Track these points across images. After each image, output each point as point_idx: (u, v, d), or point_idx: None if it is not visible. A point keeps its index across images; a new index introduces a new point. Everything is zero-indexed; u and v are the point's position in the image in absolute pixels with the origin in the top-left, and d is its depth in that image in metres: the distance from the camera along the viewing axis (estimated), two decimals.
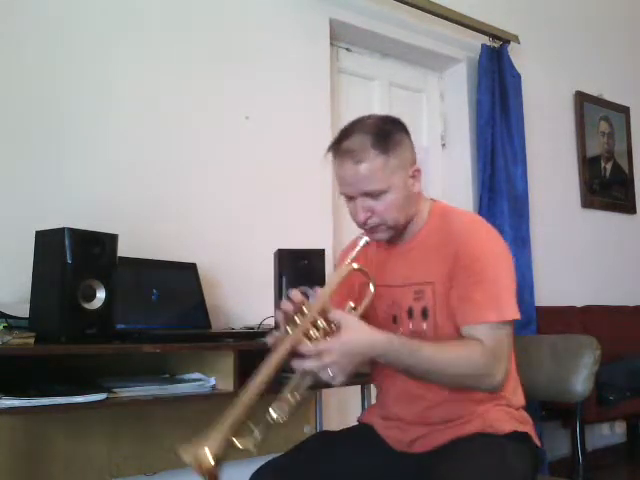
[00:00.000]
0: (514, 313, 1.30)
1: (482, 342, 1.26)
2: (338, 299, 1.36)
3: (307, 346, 1.18)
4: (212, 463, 1.06)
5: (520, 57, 3.44)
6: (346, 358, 1.17)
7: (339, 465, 1.36)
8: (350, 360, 1.18)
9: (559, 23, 3.84)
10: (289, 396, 1.21)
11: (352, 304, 1.32)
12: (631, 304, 3.89)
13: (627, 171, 4.22)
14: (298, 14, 2.71)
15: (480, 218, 1.44)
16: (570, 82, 3.89)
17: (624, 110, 4.23)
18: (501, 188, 3.19)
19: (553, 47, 3.79)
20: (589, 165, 3.95)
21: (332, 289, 1.28)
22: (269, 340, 1.24)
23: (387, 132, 1.33)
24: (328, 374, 1.17)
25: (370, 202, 1.34)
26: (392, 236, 1.40)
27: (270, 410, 1.19)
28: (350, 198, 1.37)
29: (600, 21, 4.12)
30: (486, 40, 3.31)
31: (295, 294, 1.24)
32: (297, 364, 1.18)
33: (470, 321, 1.30)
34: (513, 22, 3.46)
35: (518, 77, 3.38)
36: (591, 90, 3.99)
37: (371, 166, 1.31)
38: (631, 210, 4.21)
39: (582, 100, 3.93)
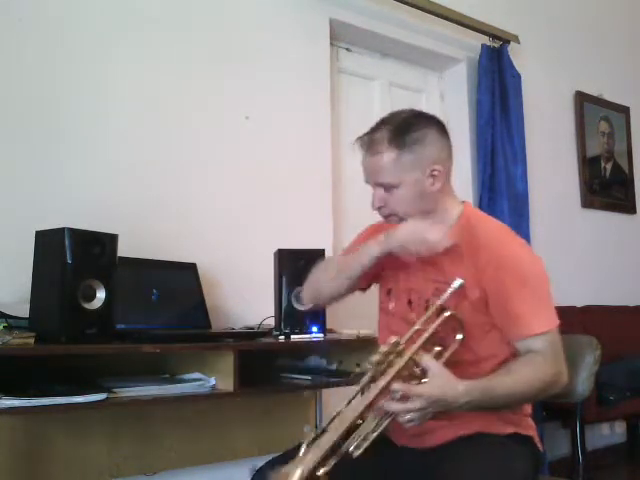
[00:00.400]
0: (557, 319, 1.35)
1: (541, 353, 1.30)
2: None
3: (399, 386, 1.19)
4: None
5: (520, 57, 3.44)
6: (431, 406, 1.20)
7: (340, 462, 1.36)
8: (433, 409, 1.21)
9: (559, 23, 3.84)
10: (370, 434, 1.21)
11: (438, 348, 1.31)
12: (631, 304, 3.89)
13: (627, 171, 4.21)
14: (298, 14, 2.71)
15: (507, 226, 1.46)
16: (570, 82, 3.89)
17: (624, 110, 4.22)
18: (501, 188, 3.19)
19: (553, 47, 3.79)
20: (589, 165, 3.94)
21: (430, 334, 1.28)
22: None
23: (408, 128, 1.35)
24: (407, 418, 1.20)
25: (383, 193, 1.39)
26: None
27: (350, 447, 1.19)
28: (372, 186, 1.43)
29: (600, 21, 4.12)
30: (486, 40, 3.30)
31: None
32: (383, 406, 1.19)
33: (524, 336, 1.33)
34: (513, 22, 3.46)
35: (518, 77, 3.38)
36: (591, 90, 3.99)
37: (383, 160, 1.35)
38: (631, 210, 4.20)
39: (582, 100, 3.93)
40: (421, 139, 1.36)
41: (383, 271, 1.50)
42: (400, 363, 1.21)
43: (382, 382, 1.20)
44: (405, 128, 1.35)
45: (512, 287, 1.32)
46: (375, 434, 1.21)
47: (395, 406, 1.19)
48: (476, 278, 1.34)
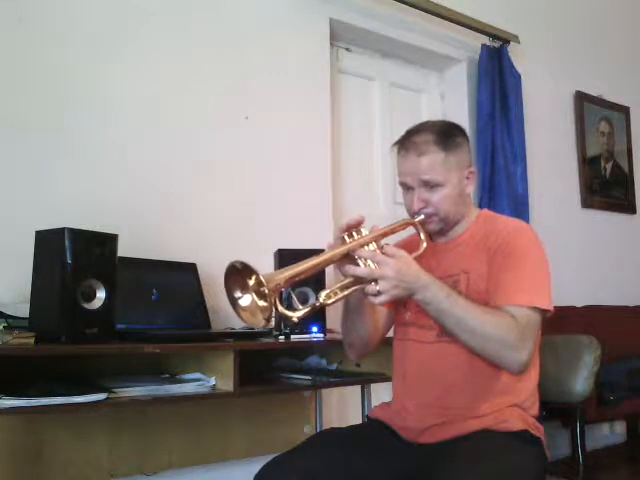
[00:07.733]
0: (546, 303, 1.37)
1: (515, 318, 1.32)
2: None
3: (365, 251, 1.28)
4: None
5: (520, 57, 3.44)
6: (397, 277, 1.25)
7: (346, 461, 1.36)
8: (399, 281, 1.25)
9: (559, 23, 3.84)
10: (337, 290, 1.28)
11: None
12: (631, 304, 3.89)
13: (627, 171, 4.21)
14: (298, 14, 2.71)
15: (527, 224, 1.54)
16: (570, 82, 3.89)
17: (624, 110, 4.22)
18: (501, 188, 3.19)
19: (553, 47, 3.79)
20: (589, 165, 3.94)
21: (386, 231, 1.40)
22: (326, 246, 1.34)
23: (448, 134, 1.47)
24: (374, 288, 1.24)
25: (426, 193, 1.45)
26: (442, 229, 1.51)
27: (319, 294, 1.27)
28: (408, 189, 1.48)
29: (600, 21, 4.11)
30: (486, 40, 3.30)
31: (355, 218, 1.35)
32: (350, 268, 1.26)
33: (502, 303, 1.35)
34: (513, 22, 3.46)
35: (518, 77, 3.38)
36: (591, 90, 3.98)
37: (431, 159, 1.43)
38: (631, 210, 4.20)
39: (582, 100, 3.93)
40: (460, 144, 1.49)
41: None
42: (362, 238, 1.31)
43: (345, 245, 1.29)
44: (447, 133, 1.47)
45: (510, 263, 1.39)
46: (341, 294, 1.27)
47: (361, 270, 1.26)
48: (487, 260, 1.42)
